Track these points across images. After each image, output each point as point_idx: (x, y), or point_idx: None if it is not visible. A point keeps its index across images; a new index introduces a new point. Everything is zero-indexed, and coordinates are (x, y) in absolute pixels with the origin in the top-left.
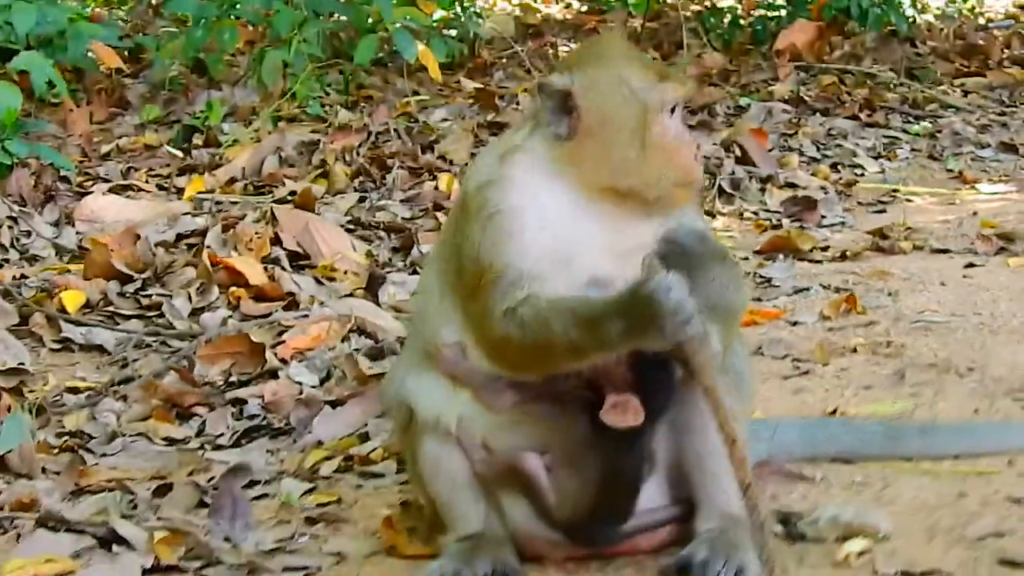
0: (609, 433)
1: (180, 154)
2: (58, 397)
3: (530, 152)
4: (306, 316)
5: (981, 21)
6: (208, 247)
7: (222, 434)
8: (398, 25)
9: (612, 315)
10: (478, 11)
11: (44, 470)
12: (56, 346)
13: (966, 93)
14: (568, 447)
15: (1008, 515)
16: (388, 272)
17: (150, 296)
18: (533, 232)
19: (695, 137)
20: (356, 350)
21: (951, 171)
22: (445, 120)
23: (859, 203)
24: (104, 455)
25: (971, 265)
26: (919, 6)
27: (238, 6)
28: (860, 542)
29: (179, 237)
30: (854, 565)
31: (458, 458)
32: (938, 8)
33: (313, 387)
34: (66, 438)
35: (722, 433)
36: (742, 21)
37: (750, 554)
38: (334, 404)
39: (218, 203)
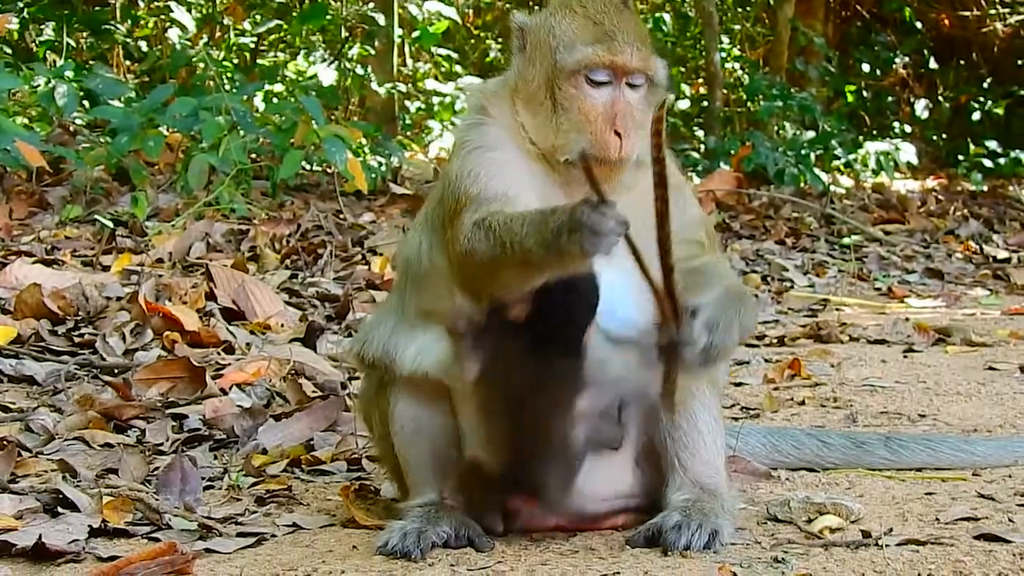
0: (536, 353)
1: (107, 228)
2: None
3: (501, 99)
4: (244, 358)
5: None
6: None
7: (162, 443)
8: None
9: (552, 217)
10: (401, 142)
11: None
12: None
13: (887, 233)
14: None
15: (980, 506)
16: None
17: (83, 335)
18: (508, 164)
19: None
20: (298, 374)
21: (879, 289)
22: (373, 222)
23: (791, 308)
24: (41, 453)
25: (911, 351)
26: (831, 178)
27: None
28: (833, 519)
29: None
30: (828, 539)
31: (438, 420)
32: (850, 178)
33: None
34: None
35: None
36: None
37: (723, 520)
38: (278, 418)
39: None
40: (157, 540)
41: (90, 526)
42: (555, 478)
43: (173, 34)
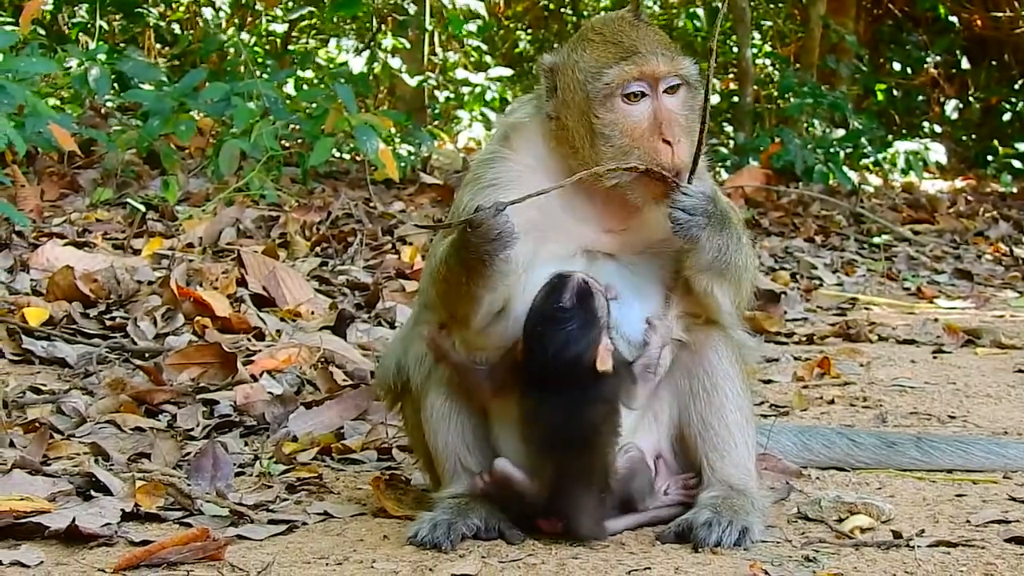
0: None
1: (138, 212)
2: (21, 396)
3: (530, 131)
4: (274, 344)
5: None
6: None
7: (193, 428)
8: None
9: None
10: (431, 131)
11: (12, 443)
12: (16, 358)
13: (917, 233)
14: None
15: (1011, 509)
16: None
17: (114, 318)
18: (518, 207)
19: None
20: (328, 362)
21: (908, 289)
22: (403, 211)
23: (820, 307)
24: (72, 436)
25: (940, 351)
26: (860, 176)
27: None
28: (864, 519)
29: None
30: (859, 539)
31: (469, 411)
32: (878, 177)
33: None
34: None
35: None
36: None
37: (753, 517)
38: (308, 405)
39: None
40: (189, 525)
41: (123, 510)
42: (589, 510)
43: (207, 13)
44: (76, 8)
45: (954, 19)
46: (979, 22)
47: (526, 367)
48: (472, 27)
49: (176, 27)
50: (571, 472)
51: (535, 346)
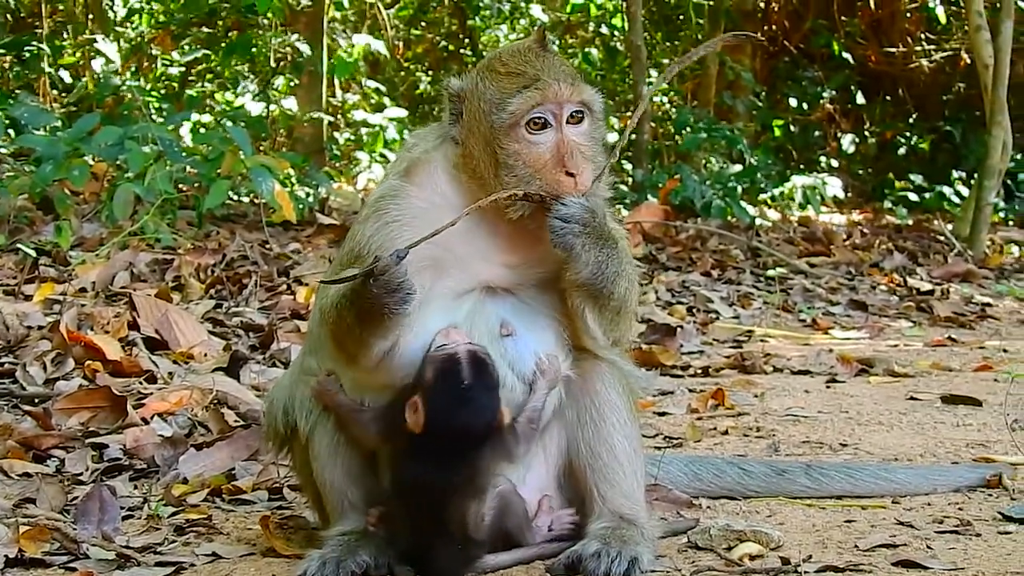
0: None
1: (30, 258)
2: None
3: (433, 165)
4: (166, 387)
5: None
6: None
7: (82, 473)
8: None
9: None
10: (329, 172)
11: None
12: None
13: (813, 265)
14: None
15: (898, 533)
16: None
17: (2, 364)
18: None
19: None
20: (220, 403)
21: (804, 321)
22: (299, 252)
23: (716, 340)
24: None
25: (834, 381)
26: (758, 211)
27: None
28: (753, 546)
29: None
30: (747, 566)
31: (353, 451)
32: (776, 212)
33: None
34: None
35: None
36: None
37: (642, 547)
38: (199, 447)
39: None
40: (74, 570)
41: (6, 556)
42: (445, 560)
43: (97, 65)
44: None
45: (848, 56)
46: (873, 58)
47: (426, 435)
48: (353, 55)
49: (69, 73)
50: (427, 526)
51: (444, 426)
